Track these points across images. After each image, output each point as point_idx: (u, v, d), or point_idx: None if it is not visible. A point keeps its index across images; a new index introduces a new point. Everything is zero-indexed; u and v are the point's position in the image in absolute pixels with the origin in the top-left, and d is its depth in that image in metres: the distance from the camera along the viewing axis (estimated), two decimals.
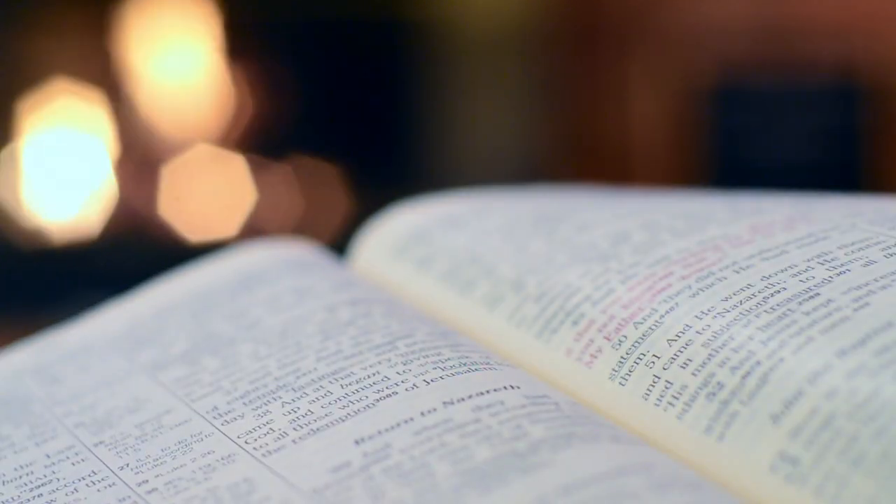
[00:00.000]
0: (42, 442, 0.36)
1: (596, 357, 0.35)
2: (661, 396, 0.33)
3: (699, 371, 0.32)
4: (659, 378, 0.33)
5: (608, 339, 0.35)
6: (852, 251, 0.35)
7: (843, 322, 0.32)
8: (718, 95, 1.69)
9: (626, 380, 0.34)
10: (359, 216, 1.55)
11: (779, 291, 0.34)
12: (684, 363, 0.33)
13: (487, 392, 0.33)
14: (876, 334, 0.31)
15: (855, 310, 0.32)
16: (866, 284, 0.33)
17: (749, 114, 1.68)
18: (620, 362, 0.34)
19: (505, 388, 0.33)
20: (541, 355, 0.36)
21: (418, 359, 0.35)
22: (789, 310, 0.33)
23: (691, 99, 1.70)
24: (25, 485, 0.34)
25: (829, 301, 0.32)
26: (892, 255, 0.34)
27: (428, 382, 0.33)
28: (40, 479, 0.34)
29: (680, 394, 0.32)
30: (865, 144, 1.66)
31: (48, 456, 0.35)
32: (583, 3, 1.75)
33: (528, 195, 0.48)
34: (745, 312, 0.33)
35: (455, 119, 1.74)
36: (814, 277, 0.34)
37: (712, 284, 0.35)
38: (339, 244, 0.51)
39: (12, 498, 0.33)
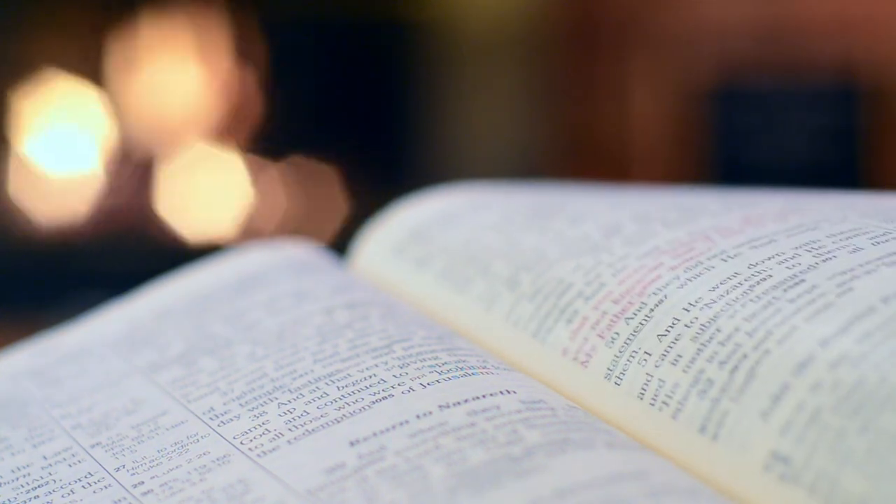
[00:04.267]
0: (39, 443, 0.36)
1: (591, 356, 0.35)
2: (656, 396, 0.33)
3: (689, 367, 0.32)
4: (652, 376, 0.33)
5: (601, 337, 0.35)
6: (840, 239, 0.35)
7: (827, 308, 0.31)
8: (718, 95, 1.69)
9: (621, 379, 0.34)
10: (358, 216, 1.55)
11: (764, 279, 0.34)
12: (675, 360, 0.33)
13: (483, 396, 0.33)
14: (858, 320, 0.31)
15: (838, 295, 0.32)
16: (851, 270, 0.33)
17: (749, 114, 1.68)
18: (614, 361, 0.34)
19: (501, 392, 0.33)
20: (538, 356, 0.36)
21: (415, 362, 0.35)
22: (774, 297, 0.33)
23: (691, 99, 1.70)
24: (22, 486, 0.34)
25: (814, 287, 0.32)
26: (879, 243, 0.34)
27: (424, 386, 0.33)
28: (37, 480, 0.34)
29: (673, 392, 0.32)
30: (865, 144, 1.66)
31: (45, 457, 0.35)
32: (583, 3, 1.75)
33: (524, 189, 0.48)
34: (732, 302, 0.33)
35: (455, 119, 1.74)
36: (800, 264, 0.34)
37: (700, 274, 0.35)
38: (339, 244, 0.51)
39: (9, 499, 0.34)
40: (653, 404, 0.32)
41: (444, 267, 0.42)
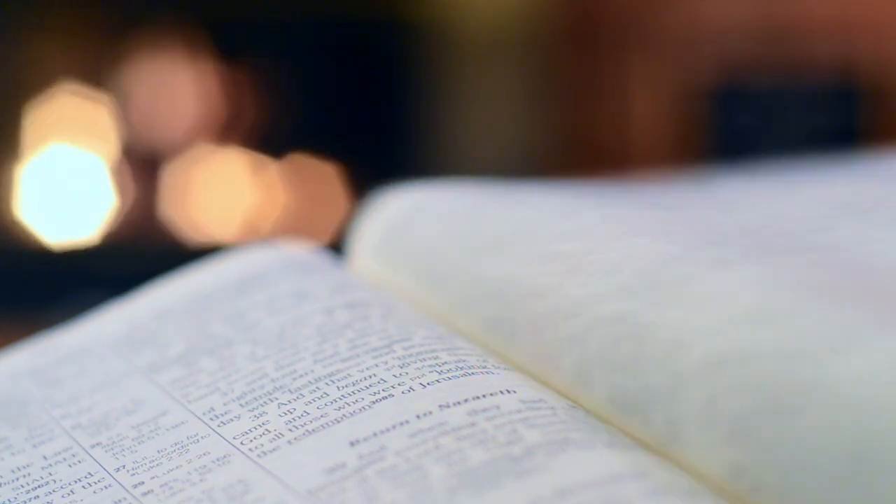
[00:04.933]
0: (39, 444, 0.36)
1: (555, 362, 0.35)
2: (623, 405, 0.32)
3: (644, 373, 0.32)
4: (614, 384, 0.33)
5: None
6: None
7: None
8: (718, 95, 1.69)
9: (590, 387, 0.33)
10: (358, 215, 1.55)
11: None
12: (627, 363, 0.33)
13: (483, 396, 0.33)
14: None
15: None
16: None
17: (749, 114, 1.68)
18: (577, 368, 0.34)
19: (501, 392, 0.33)
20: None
21: (415, 362, 0.35)
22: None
23: (691, 99, 1.70)
24: (22, 486, 0.34)
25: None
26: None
27: (424, 385, 0.33)
28: (37, 480, 0.34)
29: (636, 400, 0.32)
30: (865, 144, 1.66)
31: (45, 458, 0.35)
32: (583, 3, 1.75)
33: (495, 189, 0.47)
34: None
35: (455, 119, 1.74)
36: None
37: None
38: (339, 244, 0.51)
39: (9, 500, 0.34)
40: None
41: (419, 266, 0.42)
